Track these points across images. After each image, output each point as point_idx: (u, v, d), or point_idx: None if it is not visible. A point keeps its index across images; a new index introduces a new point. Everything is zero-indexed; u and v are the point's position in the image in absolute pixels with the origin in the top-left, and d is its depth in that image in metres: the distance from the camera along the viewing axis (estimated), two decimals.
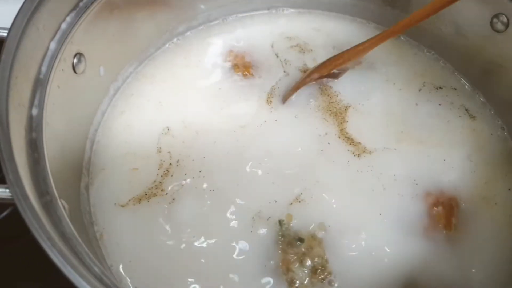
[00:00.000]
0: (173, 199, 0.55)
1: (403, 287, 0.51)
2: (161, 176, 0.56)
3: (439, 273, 0.53)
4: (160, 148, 0.58)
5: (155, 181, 0.56)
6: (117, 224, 0.53)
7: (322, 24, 0.72)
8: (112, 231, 0.53)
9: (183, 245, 0.52)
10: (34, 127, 0.43)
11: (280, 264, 0.51)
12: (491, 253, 0.54)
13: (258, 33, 0.70)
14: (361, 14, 0.72)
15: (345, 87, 0.65)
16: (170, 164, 0.57)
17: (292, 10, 0.73)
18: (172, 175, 0.56)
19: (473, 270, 0.53)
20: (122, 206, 0.54)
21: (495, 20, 0.57)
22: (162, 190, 0.55)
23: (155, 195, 0.55)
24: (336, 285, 0.51)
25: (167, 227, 0.53)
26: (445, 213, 0.55)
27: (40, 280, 0.60)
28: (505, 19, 0.56)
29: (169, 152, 0.58)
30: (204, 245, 0.52)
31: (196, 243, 0.52)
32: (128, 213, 0.54)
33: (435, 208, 0.55)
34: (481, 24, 0.58)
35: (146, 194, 0.55)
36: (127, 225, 0.53)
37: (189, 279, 0.50)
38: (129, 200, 0.55)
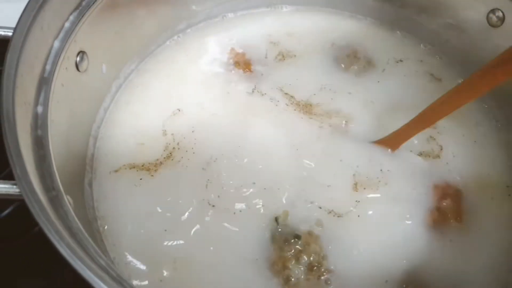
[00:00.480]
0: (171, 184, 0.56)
1: (404, 281, 0.52)
2: (164, 157, 0.58)
3: (443, 267, 0.53)
4: (165, 131, 0.60)
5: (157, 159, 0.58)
6: (118, 215, 0.55)
7: (320, 20, 0.72)
8: (113, 224, 0.54)
9: (181, 238, 0.53)
10: (39, 125, 0.44)
11: (276, 261, 0.51)
12: (498, 247, 0.55)
13: (258, 30, 0.70)
14: (360, 11, 0.72)
15: None
16: (173, 148, 0.58)
17: (290, 7, 0.73)
18: (172, 159, 0.58)
19: (478, 263, 0.54)
20: (116, 171, 0.56)
21: (491, 15, 0.58)
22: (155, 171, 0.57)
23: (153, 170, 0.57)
24: (333, 282, 0.51)
25: (167, 219, 0.54)
26: (453, 205, 0.56)
27: (41, 278, 0.61)
28: (501, 14, 0.57)
29: (177, 142, 0.59)
30: (200, 244, 0.52)
31: (193, 240, 0.53)
32: (131, 204, 0.55)
33: (443, 201, 0.56)
34: (478, 18, 0.59)
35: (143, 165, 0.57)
36: (129, 214, 0.54)
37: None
38: (124, 165, 0.57)
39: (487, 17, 0.58)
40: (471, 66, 0.65)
